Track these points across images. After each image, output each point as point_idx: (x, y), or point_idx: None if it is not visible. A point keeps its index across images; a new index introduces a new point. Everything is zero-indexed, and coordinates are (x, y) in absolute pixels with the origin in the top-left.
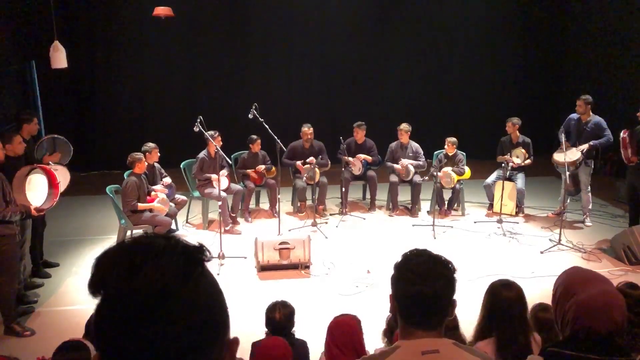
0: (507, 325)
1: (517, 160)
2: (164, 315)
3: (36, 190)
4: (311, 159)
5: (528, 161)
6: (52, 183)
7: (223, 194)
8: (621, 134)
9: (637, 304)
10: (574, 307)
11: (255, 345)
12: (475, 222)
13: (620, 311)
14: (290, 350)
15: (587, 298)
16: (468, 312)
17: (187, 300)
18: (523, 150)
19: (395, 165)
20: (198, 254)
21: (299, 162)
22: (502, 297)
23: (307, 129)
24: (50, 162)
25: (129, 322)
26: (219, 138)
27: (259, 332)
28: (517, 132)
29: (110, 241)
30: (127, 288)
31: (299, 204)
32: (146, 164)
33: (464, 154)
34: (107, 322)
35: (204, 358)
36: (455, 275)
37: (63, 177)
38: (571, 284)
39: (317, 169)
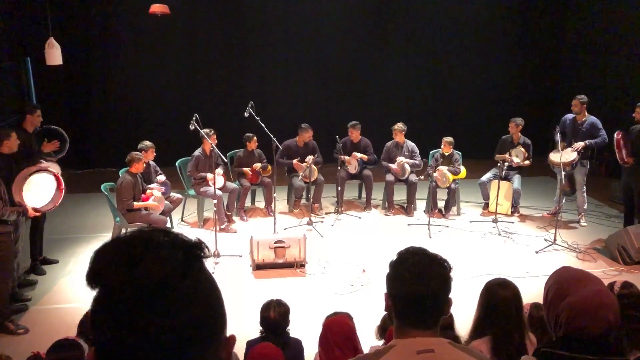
0: (502, 324)
1: (517, 160)
2: (162, 308)
3: (38, 191)
4: (309, 158)
5: (527, 162)
6: (58, 187)
7: (218, 192)
8: (615, 136)
9: (636, 303)
10: (568, 308)
11: (250, 346)
12: (470, 222)
13: (613, 311)
14: (282, 354)
15: (581, 299)
16: (463, 311)
17: (185, 294)
18: (523, 150)
19: (391, 165)
20: (197, 249)
21: (295, 161)
22: (499, 296)
23: (307, 132)
24: (42, 160)
25: (126, 314)
26: (214, 136)
27: (254, 330)
28: (519, 133)
29: (105, 239)
30: (126, 280)
31: (294, 201)
32: (144, 164)
33: (460, 153)
34: (104, 315)
35: (200, 353)
36: (451, 274)
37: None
38: (563, 284)
39: (314, 167)
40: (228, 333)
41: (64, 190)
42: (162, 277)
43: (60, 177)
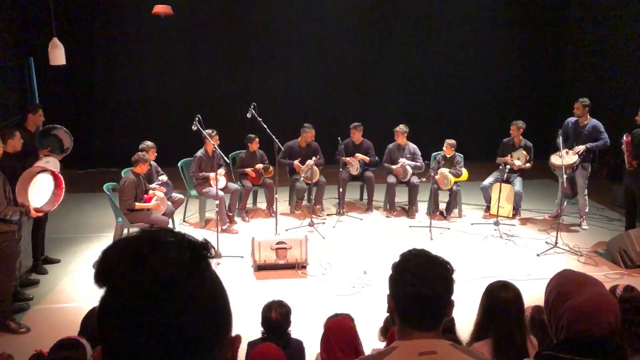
0: (504, 327)
1: (518, 162)
2: (169, 307)
3: (39, 191)
4: (309, 162)
5: (528, 165)
6: (58, 186)
7: (220, 193)
8: (624, 138)
9: (638, 307)
10: (569, 311)
11: (251, 347)
12: (472, 224)
13: (614, 313)
14: (283, 354)
15: (582, 302)
16: (464, 313)
17: (192, 292)
18: (524, 152)
19: (393, 167)
20: (203, 249)
21: (296, 162)
22: (500, 299)
23: (310, 132)
24: (41, 156)
25: (133, 312)
26: (217, 137)
27: (255, 331)
28: (520, 135)
29: (107, 239)
30: (133, 278)
31: (296, 202)
32: (149, 166)
33: (462, 155)
34: (111, 313)
35: (206, 352)
36: (453, 276)
37: (53, 167)
38: (564, 288)
39: (315, 168)
40: (232, 333)
41: (64, 189)
42: (168, 277)
43: (60, 176)
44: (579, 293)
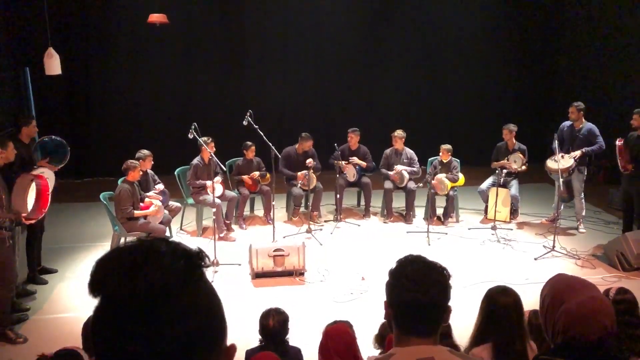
0: (503, 331)
1: (515, 165)
2: (163, 316)
3: (30, 198)
4: (309, 160)
5: (524, 167)
6: (42, 193)
7: (217, 200)
8: (617, 142)
9: (631, 308)
10: (564, 315)
11: (249, 355)
12: (469, 229)
13: (609, 316)
14: None
15: (576, 306)
16: (463, 318)
17: (186, 302)
18: (521, 156)
19: (390, 172)
20: (198, 258)
21: (300, 174)
22: (499, 303)
23: (307, 142)
24: (36, 166)
25: (127, 322)
26: (212, 144)
27: (253, 339)
28: (514, 139)
29: (104, 248)
30: (127, 288)
31: (293, 209)
32: (140, 172)
33: (459, 160)
34: (105, 323)
35: None
36: (450, 281)
37: (48, 178)
38: (558, 292)
39: (312, 175)
40: (228, 342)
41: (50, 195)
42: (163, 286)
43: (46, 180)
44: (573, 297)
